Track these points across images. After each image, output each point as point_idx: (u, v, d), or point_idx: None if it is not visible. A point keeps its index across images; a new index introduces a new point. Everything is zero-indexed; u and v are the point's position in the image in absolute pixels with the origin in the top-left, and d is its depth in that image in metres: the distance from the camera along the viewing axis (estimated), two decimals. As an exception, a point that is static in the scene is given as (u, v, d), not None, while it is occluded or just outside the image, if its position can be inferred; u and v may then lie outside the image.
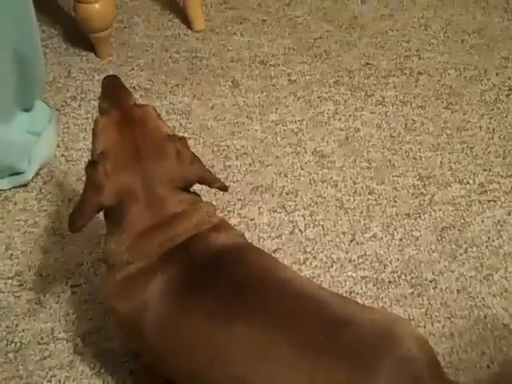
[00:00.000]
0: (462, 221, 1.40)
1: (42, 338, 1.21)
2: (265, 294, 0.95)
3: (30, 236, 1.37)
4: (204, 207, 1.05)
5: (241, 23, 1.87)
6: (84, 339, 1.20)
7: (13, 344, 1.20)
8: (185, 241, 0.99)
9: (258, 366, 0.90)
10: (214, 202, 1.42)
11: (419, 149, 1.55)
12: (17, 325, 1.23)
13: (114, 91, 1.08)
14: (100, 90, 1.09)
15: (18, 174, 1.45)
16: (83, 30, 1.73)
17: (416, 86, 1.71)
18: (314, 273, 1.31)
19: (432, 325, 1.23)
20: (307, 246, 1.36)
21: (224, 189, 1.10)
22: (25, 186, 1.46)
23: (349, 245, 1.36)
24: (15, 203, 1.43)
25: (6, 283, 1.29)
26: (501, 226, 1.39)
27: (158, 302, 0.96)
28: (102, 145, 1.01)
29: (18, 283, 1.29)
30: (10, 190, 1.45)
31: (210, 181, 1.07)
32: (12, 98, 1.41)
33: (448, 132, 1.59)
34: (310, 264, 1.33)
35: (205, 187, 1.08)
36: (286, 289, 0.96)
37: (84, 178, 1.02)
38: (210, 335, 0.93)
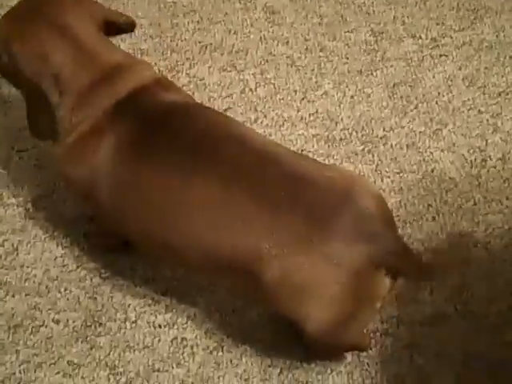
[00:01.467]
0: (414, 76, 1.39)
1: (-9, 205, 1.20)
2: (222, 149, 0.93)
3: (-30, 101, 1.32)
4: (142, 62, 1.01)
5: None
6: (35, 204, 1.19)
7: (-38, 211, 1.19)
8: (130, 94, 0.96)
9: (217, 219, 0.90)
10: (161, 62, 1.39)
11: (372, 3, 1.51)
12: (-38, 192, 1.21)
13: None
14: None
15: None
16: None
17: None
18: (265, 131, 1.30)
19: (382, 180, 1.25)
20: (258, 104, 1.34)
21: (132, 24, 1.05)
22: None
23: (300, 103, 1.35)
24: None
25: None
26: (451, 81, 1.39)
27: (111, 159, 0.94)
28: None
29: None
30: None
31: (116, 17, 1.02)
32: None
33: (402, -15, 1.55)
34: (261, 123, 1.32)
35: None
36: (245, 143, 0.94)
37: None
38: (167, 190, 0.92)
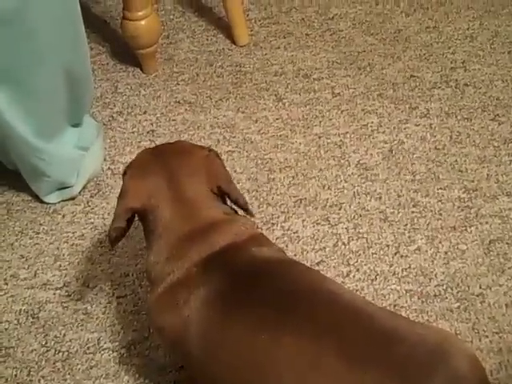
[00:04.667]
0: (511, 234, 1.38)
1: (88, 348, 1.23)
2: (313, 306, 0.94)
3: (77, 248, 1.40)
4: (241, 219, 1.05)
5: (284, 37, 1.89)
6: (129, 349, 1.22)
7: (60, 353, 1.23)
8: (223, 248, 0.99)
9: (306, 378, 0.89)
10: (257, 215, 1.44)
11: (465, 161, 1.53)
12: (64, 334, 1.25)
13: None
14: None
15: (67, 187, 1.49)
16: (130, 47, 1.77)
17: (462, 98, 1.69)
18: (357, 286, 1.30)
19: (479, 340, 1.21)
20: (351, 258, 1.35)
21: (246, 209, 1.08)
22: (72, 199, 1.49)
23: (393, 257, 1.35)
24: (63, 216, 1.46)
25: (54, 294, 1.32)
26: (550, 239, 1.36)
27: (201, 313, 0.96)
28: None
29: (66, 294, 1.32)
30: (58, 203, 1.49)
31: (231, 191, 1.06)
32: (62, 114, 1.45)
33: (495, 144, 1.57)
34: (354, 277, 1.32)
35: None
36: (335, 301, 0.95)
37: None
38: (257, 347, 0.92)
